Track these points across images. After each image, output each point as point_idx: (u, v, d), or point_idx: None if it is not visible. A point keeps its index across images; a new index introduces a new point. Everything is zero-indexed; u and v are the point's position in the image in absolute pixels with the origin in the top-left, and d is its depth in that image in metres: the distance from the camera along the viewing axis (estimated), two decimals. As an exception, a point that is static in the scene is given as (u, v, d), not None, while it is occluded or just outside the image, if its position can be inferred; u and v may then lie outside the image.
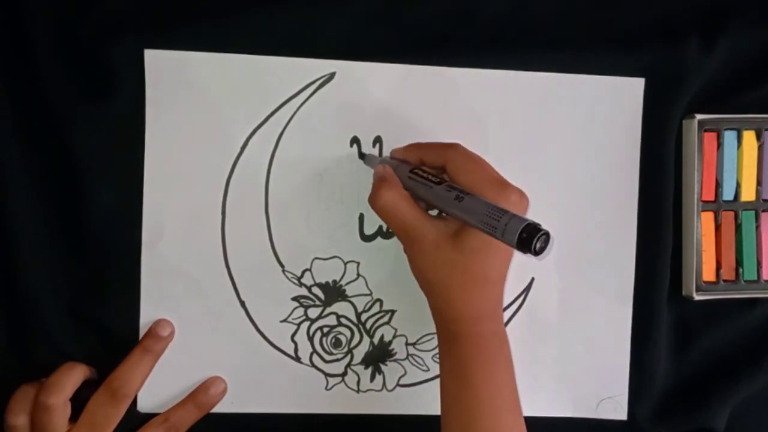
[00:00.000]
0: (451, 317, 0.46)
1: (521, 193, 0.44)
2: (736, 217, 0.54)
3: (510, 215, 0.40)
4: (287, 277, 0.52)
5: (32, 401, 0.48)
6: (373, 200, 0.46)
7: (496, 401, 0.45)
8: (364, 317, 0.53)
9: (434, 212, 0.47)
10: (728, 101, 0.54)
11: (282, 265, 0.52)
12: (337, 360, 0.54)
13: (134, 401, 0.51)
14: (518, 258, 0.53)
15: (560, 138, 0.54)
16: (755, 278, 0.55)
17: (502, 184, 0.44)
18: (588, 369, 0.55)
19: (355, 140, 0.52)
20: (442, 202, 0.44)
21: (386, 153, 0.52)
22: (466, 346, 0.45)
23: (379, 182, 0.46)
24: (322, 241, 0.53)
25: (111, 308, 0.51)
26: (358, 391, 0.54)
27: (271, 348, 0.53)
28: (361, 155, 0.52)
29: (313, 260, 0.53)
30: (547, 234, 0.39)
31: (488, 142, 0.53)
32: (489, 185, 0.44)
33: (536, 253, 0.38)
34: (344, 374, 0.54)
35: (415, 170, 0.46)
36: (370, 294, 0.53)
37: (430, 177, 0.45)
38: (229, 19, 0.50)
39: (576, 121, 0.54)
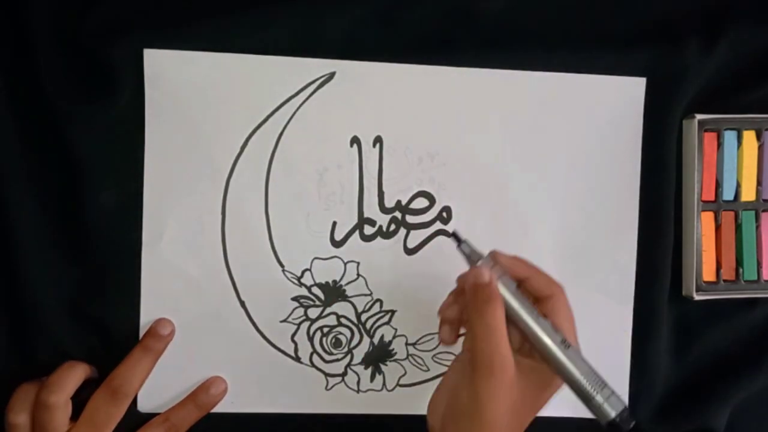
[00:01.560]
0: None
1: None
2: (737, 217, 0.54)
3: (610, 391, 0.40)
4: (287, 277, 0.52)
5: (33, 400, 0.48)
6: (485, 313, 0.41)
7: None
8: (364, 317, 0.54)
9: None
10: (728, 101, 0.54)
11: (282, 265, 0.52)
12: (337, 360, 0.54)
13: (134, 401, 0.51)
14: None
15: (561, 138, 0.54)
16: (755, 278, 0.54)
17: (578, 346, 0.43)
18: (588, 369, 0.55)
19: (355, 140, 0.52)
20: (544, 340, 0.41)
21: (386, 152, 0.52)
22: None
23: (492, 296, 0.42)
24: (322, 241, 0.53)
25: (111, 308, 0.51)
26: (358, 391, 0.54)
27: (271, 348, 0.53)
28: (457, 239, 0.44)
29: (313, 260, 0.53)
30: (633, 421, 0.40)
31: (488, 141, 0.53)
32: (574, 342, 0.43)
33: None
34: (344, 374, 0.54)
35: (521, 289, 0.43)
36: (370, 294, 0.53)
37: (534, 305, 0.43)
38: (229, 19, 0.50)
39: (576, 121, 0.54)
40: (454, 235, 0.44)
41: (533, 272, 0.44)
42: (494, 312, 0.41)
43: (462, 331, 0.46)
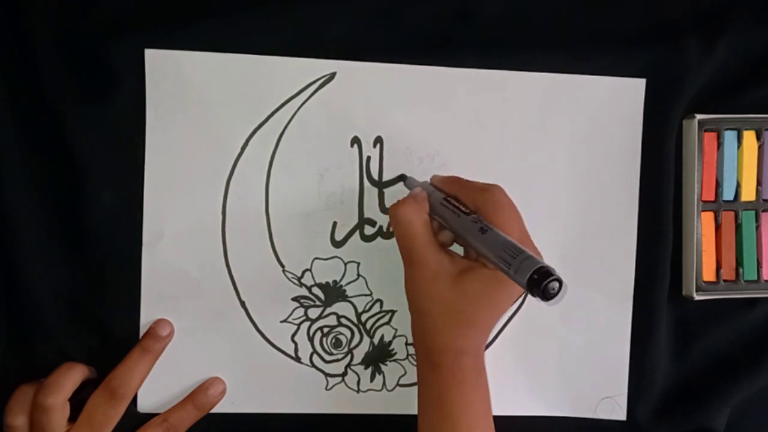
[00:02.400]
0: (433, 346, 0.45)
1: (539, 255, 0.44)
2: (737, 217, 0.54)
3: (527, 255, 0.40)
4: (287, 277, 0.52)
5: (31, 401, 0.48)
6: (395, 209, 0.46)
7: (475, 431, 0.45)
8: (364, 317, 0.53)
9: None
10: (728, 101, 0.54)
11: (282, 265, 0.52)
12: (337, 360, 0.54)
13: (134, 401, 0.51)
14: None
15: (560, 138, 0.54)
16: (755, 278, 0.55)
17: (528, 238, 0.45)
18: (588, 369, 0.55)
19: (355, 140, 0.52)
20: (466, 233, 0.44)
21: (387, 152, 0.53)
22: (447, 377, 0.45)
23: (406, 198, 0.47)
24: (322, 241, 0.53)
25: (111, 308, 0.51)
26: (358, 391, 0.54)
27: (271, 348, 0.53)
28: (402, 178, 0.52)
29: (313, 260, 0.53)
30: (559, 280, 0.38)
31: (488, 142, 0.53)
32: (518, 232, 0.44)
33: (546, 298, 0.38)
34: (344, 374, 0.54)
35: (449, 198, 0.46)
36: (371, 294, 0.53)
37: (461, 207, 0.45)
38: (229, 19, 0.50)
39: (576, 122, 0.54)
40: (401, 177, 0.52)
41: (462, 186, 0.47)
42: (404, 210, 0.45)
43: None
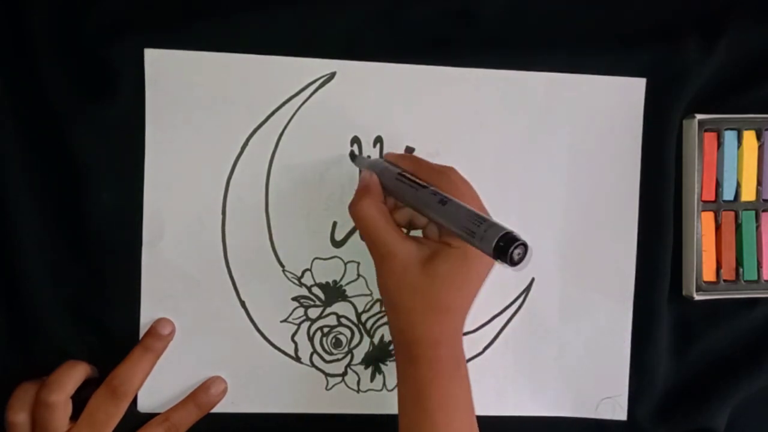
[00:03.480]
0: (410, 339, 0.45)
1: None
2: (737, 217, 0.54)
3: (490, 223, 0.39)
4: (287, 277, 0.52)
5: (33, 399, 0.48)
6: (353, 208, 0.46)
7: (454, 424, 0.45)
8: (364, 317, 0.53)
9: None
10: (728, 101, 0.54)
11: (282, 265, 0.52)
12: (338, 360, 0.54)
13: (134, 401, 0.51)
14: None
15: (561, 138, 0.54)
16: (755, 278, 0.55)
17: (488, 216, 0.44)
18: (588, 369, 0.55)
19: (355, 140, 0.52)
20: (426, 206, 0.44)
21: (386, 152, 0.52)
22: (425, 369, 0.45)
23: (361, 191, 0.47)
24: (322, 241, 0.53)
25: (111, 308, 0.51)
26: (358, 391, 0.54)
27: (271, 348, 0.53)
28: (352, 156, 0.52)
29: (313, 260, 0.53)
30: (524, 245, 0.38)
31: (488, 142, 0.53)
32: (475, 206, 0.44)
33: (512, 263, 0.38)
34: (344, 374, 0.54)
35: (404, 173, 0.46)
36: (371, 294, 0.53)
37: (416, 181, 0.45)
38: (229, 19, 0.50)
39: (576, 121, 0.54)
40: (350, 155, 0.52)
41: (418, 165, 0.47)
42: (361, 206, 0.45)
43: None
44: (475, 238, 0.39)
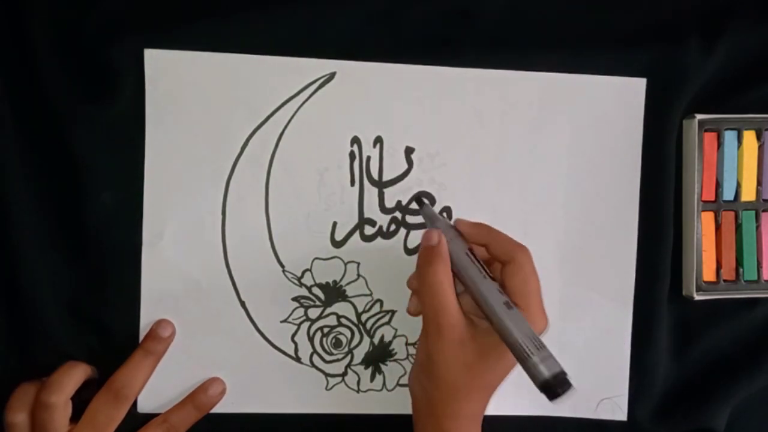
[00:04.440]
0: (447, 414, 0.44)
1: (547, 324, 0.44)
2: (737, 217, 0.54)
3: (547, 354, 0.39)
4: (287, 277, 0.52)
5: (32, 399, 0.48)
6: (425, 270, 0.43)
7: None
8: (364, 317, 0.53)
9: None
10: (728, 101, 0.54)
11: (282, 265, 0.52)
12: (338, 360, 0.54)
13: (134, 402, 0.51)
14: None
15: (561, 138, 0.54)
16: (755, 278, 0.55)
17: (544, 313, 0.44)
18: (588, 369, 0.55)
19: (355, 140, 0.52)
20: (487, 302, 0.42)
21: (387, 152, 0.52)
22: None
23: (434, 254, 0.43)
24: (322, 241, 0.53)
25: (111, 308, 0.51)
26: (358, 391, 0.54)
27: (271, 348, 0.53)
28: (419, 201, 0.48)
29: (313, 260, 0.53)
30: (570, 386, 0.39)
31: (488, 142, 0.53)
32: (536, 306, 0.43)
33: (551, 398, 0.38)
34: (344, 374, 0.54)
35: (473, 252, 0.44)
36: (371, 294, 0.53)
37: (485, 268, 0.43)
38: (229, 19, 0.50)
39: (576, 121, 0.54)
40: (417, 199, 0.48)
41: (494, 237, 0.45)
42: (435, 271, 0.43)
43: None
44: (528, 361, 0.39)
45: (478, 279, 0.43)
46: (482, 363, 0.43)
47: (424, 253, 0.44)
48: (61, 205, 0.50)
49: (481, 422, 0.46)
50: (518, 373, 0.55)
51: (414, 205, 0.53)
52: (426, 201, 0.48)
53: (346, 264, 0.53)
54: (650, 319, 0.55)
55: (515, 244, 0.44)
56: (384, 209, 0.53)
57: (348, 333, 0.54)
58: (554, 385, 0.38)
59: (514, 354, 0.40)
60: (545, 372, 0.39)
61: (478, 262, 0.44)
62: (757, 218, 0.54)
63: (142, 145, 0.51)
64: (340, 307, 0.53)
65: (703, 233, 0.54)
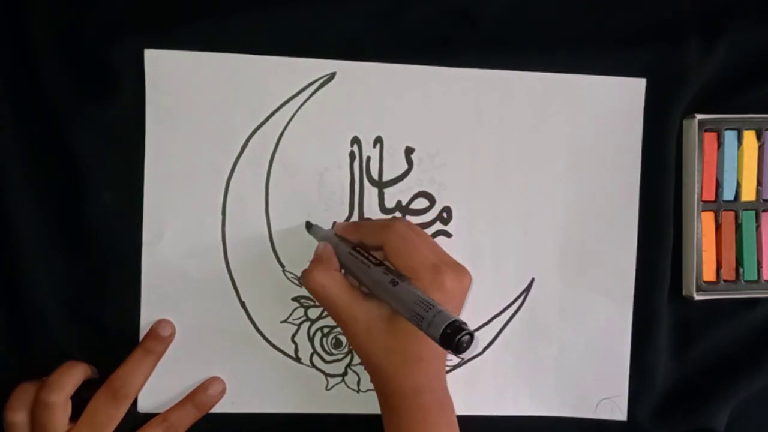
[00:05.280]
0: (389, 392, 0.46)
1: (459, 275, 0.44)
2: (737, 217, 0.54)
3: (437, 310, 0.40)
4: (287, 277, 0.52)
5: (32, 398, 0.48)
6: (305, 280, 0.46)
7: None
8: (364, 317, 0.53)
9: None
10: (728, 101, 0.54)
11: (282, 265, 0.52)
12: (338, 360, 0.54)
13: (134, 401, 0.51)
14: (518, 257, 0.54)
15: (561, 138, 0.54)
16: (755, 278, 0.55)
17: (436, 269, 0.44)
18: (588, 369, 0.55)
19: (355, 140, 0.52)
20: (377, 286, 0.44)
21: (387, 152, 0.53)
22: (408, 418, 0.45)
23: (314, 262, 0.47)
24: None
25: (111, 308, 0.51)
26: (358, 391, 0.54)
27: (271, 348, 0.53)
28: (308, 225, 0.52)
29: (313, 260, 0.53)
30: (470, 334, 0.38)
31: (488, 142, 0.53)
32: (423, 270, 0.44)
33: (458, 351, 0.38)
34: (344, 374, 0.54)
35: (357, 249, 0.46)
36: (370, 294, 0.53)
37: (369, 257, 0.45)
38: (229, 19, 0.50)
39: (576, 121, 0.54)
40: (306, 225, 0.52)
41: (362, 230, 0.47)
42: (321, 275, 0.45)
43: None
44: (422, 323, 0.40)
45: (363, 270, 0.45)
46: (397, 339, 0.44)
47: (310, 263, 0.47)
48: (61, 205, 0.50)
49: (438, 395, 0.46)
50: (516, 373, 0.55)
51: (414, 205, 0.53)
52: (312, 223, 0.52)
53: (346, 264, 0.53)
54: (650, 319, 0.55)
55: (380, 226, 0.46)
56: (384, 209, 0.53)
57: (348, 333, 0.53)
58: (453, 336, 0.38)
59: (414, 324, 0.41)
60: (440, 326, 0.39)
61: (364, 254, 0.45)
62: (757, 218, 0.54)
63: (142, 145, 0.51)
64: (340, 307, 0.53)
65: (703, 233, 0.54)
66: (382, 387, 0.47)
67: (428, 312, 0.40)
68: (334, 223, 0.52)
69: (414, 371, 0.45)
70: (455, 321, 0.38)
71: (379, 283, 0.44)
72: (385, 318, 0.44)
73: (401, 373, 0.45)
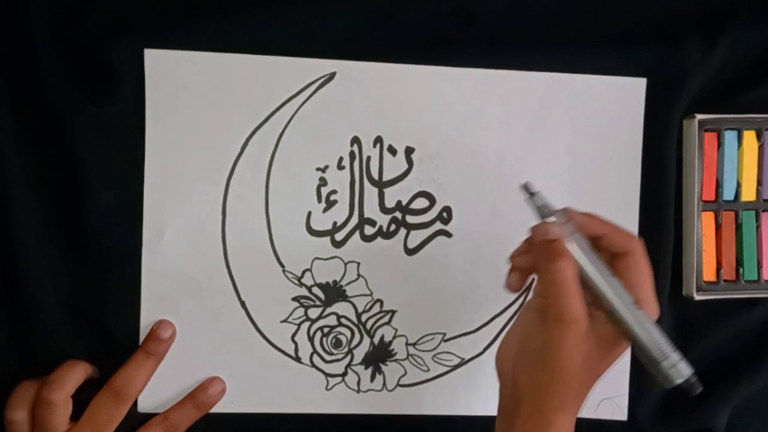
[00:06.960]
0: (556, 406, 0.42)
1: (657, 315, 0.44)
2: (737, 217, 0.54)
3: (679, 356, 0.40)
4: (287, 277, 0.52)
5: (32, 397, 0.48)
6: (553, 263, 0.42)
7: None
8: (364, 317, 0.53)
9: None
10: (728, 101, 0.54)
11: (282, 265, 0.52)
12: (338, 360, 0.54)
13: (134, 401, 0.51)
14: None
15: (561, 138, 0.54)
16: (755, 278, 0.54)
17: (656, 301, 0.43)
18: (588, 369, 0.55)
19: (355, 140, 0.52)
20: (616, 300, 0.41)
21: (387, 152, 0.52)
22: None
23: (558, 253, 0.42)
24: (322, 242, 0.53)
25: (111, 308, 0.51)
26: (358, 391, 0.54)
27: (271, 348, 0.53)
28: (530, 192, 0.44)
29: (313, 260, 0.53)
30: (699, 387, 0.41)
31: (488, 142, 0.53)
32: (651, 297, 0.43)
33: (688, 393, 0.40)
34: (344, 374, 0.54)
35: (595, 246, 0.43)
36: (371, 294, 0.53)
37: (612, 261, 0.43)
38: (229, 19, 0.50)
39: (576, 121, 0.54)
40: (525, 187, 0.44)
41: (609, 229, 0.43)
42: (560, 269, 0.41)
43: (529, 280, 0.46)
44: (658, 366, 0.40)
45: (606, 277, 0.42)
46: (598, 354, 0.42)
47: (546, 248, 0.42)
48: (61, 205, 0.50)
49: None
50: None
51: (414, 205, 0.53)
52: (534, 189, 0.44)
53: (346, 264, 0.53)
54: (651, 319, 0.54)
55: (630, 235, 0.44)
56: (384, 209, 0.53)
57: (348, 333, 0.54)
58: (686, 390, 0.40)
59: (643, 356, 0.41)
60: (684, 372, 0.40)
61: (603, 260, 0.43)
62: (757, 218, 0.54)
63: (142, 145, 0.51)
64: (340, 307, 0.53)
65: (703, 233, 0.54)
66: (548, 401, 0.42)
67: (671, 357, 0.41)
68: (560, 209, 0.44)
69: (590, 388, 0.43)
70: (693, 374, 0.41)
71: (622, 300, 0.41)
72: (596, 327, 0.42)
73: (583, 391, 0.43)
